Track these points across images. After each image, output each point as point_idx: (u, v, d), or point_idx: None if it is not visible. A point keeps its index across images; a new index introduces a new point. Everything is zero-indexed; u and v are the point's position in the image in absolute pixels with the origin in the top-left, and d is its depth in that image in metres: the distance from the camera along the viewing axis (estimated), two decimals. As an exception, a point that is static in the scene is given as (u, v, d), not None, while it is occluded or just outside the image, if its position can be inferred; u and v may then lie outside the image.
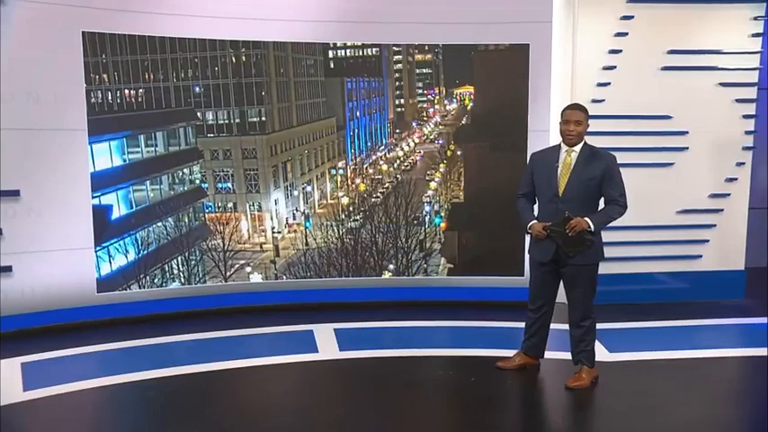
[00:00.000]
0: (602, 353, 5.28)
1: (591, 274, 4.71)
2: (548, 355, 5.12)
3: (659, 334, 5.97)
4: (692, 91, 6.57)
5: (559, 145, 4.77)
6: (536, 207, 4.87)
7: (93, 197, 6.13)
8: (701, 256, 6.83)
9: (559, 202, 4.63)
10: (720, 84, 6.62)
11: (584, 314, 4.76)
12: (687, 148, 6.66)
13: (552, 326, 5.04)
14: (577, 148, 4.68)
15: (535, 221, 4.74)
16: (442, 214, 7.27)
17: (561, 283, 4.87)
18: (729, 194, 6.79)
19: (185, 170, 6.84)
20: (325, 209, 7.33)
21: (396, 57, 7.63)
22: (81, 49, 5.93)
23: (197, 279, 6.77)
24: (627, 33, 6.46)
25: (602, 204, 4.76)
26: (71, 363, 5.30)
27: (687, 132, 6.64)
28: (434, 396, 4.94)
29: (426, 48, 7.58)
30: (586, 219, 4.53)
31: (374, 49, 7.36)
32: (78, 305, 6.09)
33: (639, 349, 5.56)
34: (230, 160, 6.91)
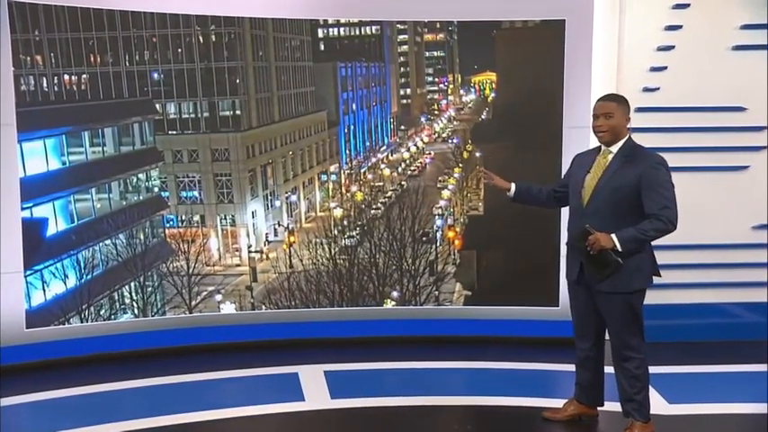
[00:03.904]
0: (659, 404, 5.21)
1: (628, 305, 4.60)
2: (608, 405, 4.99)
3: (730, 381, 5.89)
4: (771, 76, 6.48)
5: (600, 146, 4.73)
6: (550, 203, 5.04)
7: (22, 208, 6.09)
8: (783, 283, 6.81)
9: (584, 214, 4.61)
10: (808, 67, 6.58)
11: (622, 353, 4.68)
12: (765, 147, 6.60)
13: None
14: (615, 147, 4.62)
15: (513, 188, 4.96)
16: (457, 229, 7.28)
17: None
18: (820, 205, 6.80)
19: (141, 175, 6.87)
20: (314, 223, 7.43)
21: (400, 36, 7.69)
22: (7, 24, 5.84)
23: (154, 310, 6.81)
24: (688, 5, 6.41)
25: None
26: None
27: (765, 128, 6.57)
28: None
29: (438, 26, 7.60)
30: (612, 235, 4.43)
31: (374, 28, 7.36)
32: (2, 344, 6.00)
33: (706, 400, 5.47)
34: (197, 163, 6.97)
